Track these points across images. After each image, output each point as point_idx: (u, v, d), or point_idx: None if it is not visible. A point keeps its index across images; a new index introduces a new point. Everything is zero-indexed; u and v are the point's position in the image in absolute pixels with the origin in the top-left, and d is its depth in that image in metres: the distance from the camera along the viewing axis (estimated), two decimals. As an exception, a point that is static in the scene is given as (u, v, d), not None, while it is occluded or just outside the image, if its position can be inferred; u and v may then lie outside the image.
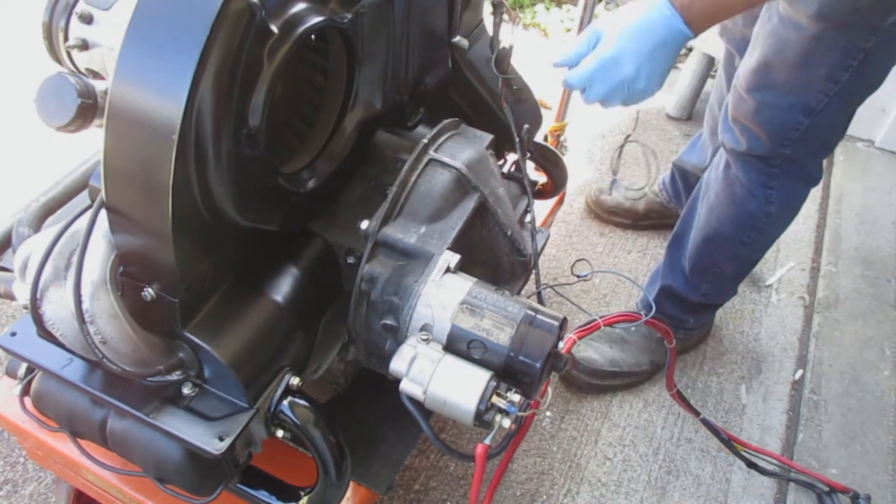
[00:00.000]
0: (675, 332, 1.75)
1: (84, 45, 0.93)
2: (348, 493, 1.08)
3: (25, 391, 1.01)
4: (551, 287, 1.19)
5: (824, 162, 1.51)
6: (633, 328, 1.79)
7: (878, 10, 1.16)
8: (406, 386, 0.86)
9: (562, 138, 1.91)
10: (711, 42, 2.29)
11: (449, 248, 0.94)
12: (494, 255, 1.11)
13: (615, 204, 2.21)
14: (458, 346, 0.88)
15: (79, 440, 1.02)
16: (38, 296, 0.80)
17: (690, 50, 2.63)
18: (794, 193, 1.51)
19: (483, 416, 0.84)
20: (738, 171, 1.50)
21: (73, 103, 0.81)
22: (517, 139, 1.23)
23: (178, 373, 0.87)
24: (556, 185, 1.55)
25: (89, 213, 0.79)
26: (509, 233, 1.09)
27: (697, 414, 1.55)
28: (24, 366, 1.02)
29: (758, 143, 1.41)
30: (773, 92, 1.32)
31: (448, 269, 0.92)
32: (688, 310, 1.76)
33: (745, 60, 1.38)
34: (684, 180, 2.07)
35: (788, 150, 1.38)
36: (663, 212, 2.17)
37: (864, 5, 1.16)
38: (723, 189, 1.55)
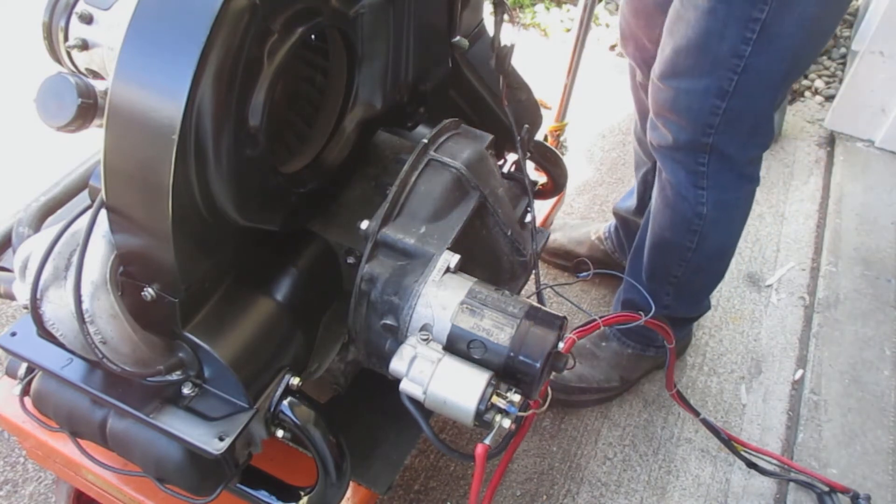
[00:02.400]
0: (644, 349, 1.74)
1: (84, 45, 0.93)
2: (348, 493, 1.08)
3: (25, 391, 1.01)
4: (551, 287, 1.19)
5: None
6: (603, 343, 1.76)
7: None
8: (406, 386, 0.86)
9: (562, 138, 1.91)
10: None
11: (449, 248, 0.94)
12: (494, 255, 1.11)
13: (557, 246, 2.07)
14: (458, 346, 0.88)
15: (79, 440, 1.02)
16: (38, 296, 0.80)
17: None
18: (729, 193, 1.47)
19: (483, 416, 0.84)
20: (667, 172, 1.48)
21: (73, 103, 0.81)
22: (517, 139, 1.23)
23: (178, 373, 0.87)
24: (556, 185, 1.55)
25: (89, 213, 0.79)
26: (509, 233, 1.09)
27: (697, 414, 1.55)
28: (24, 366, 1.02)
29: (681, 133, 1.39)
30: (686, 78, 1.32)
31: (448, 269, 0.92)
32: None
33: (658, 52, 1.38)
34: (625, 229, 1.96)
35: (712, 139, 1.37)
36: (606, 260, 2.02)
37: None
38: (658, 193, 1.54)
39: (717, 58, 1.27)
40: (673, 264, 1.59)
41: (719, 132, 1.35)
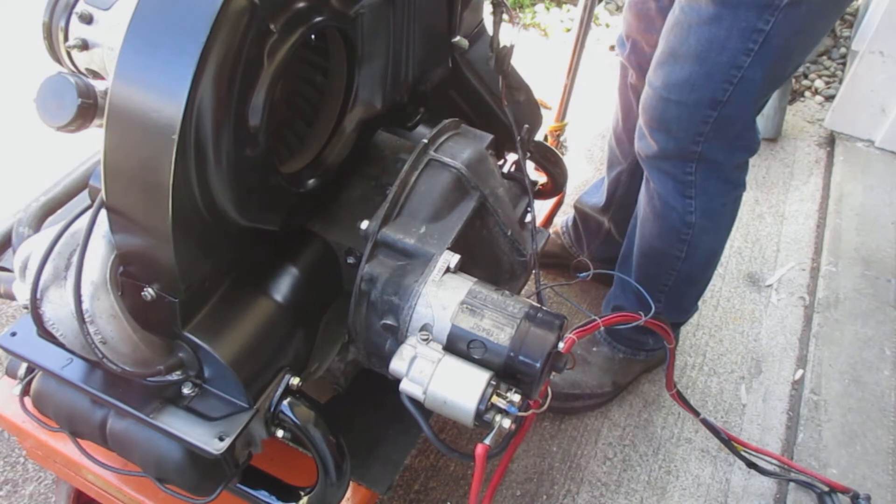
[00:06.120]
0: (635, 353, 1.74)
1: (84, 45, 0.93)
2: (348, 493, 1.08)
3: (25, 391, 1.01)
4: (551, 287, 1.19)
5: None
6: (594, 349, 1.76)
7: None
8: (406, 386, 0.86)
9: (562, 138, 1.91)
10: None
11: (449, 248, 0.94)
12: (494, 255, 1.11)
13: None
14: (458, 346, 0.88)
15: (79, 440, 1.02)
16: (38, 296, 0.80)
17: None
18: (715, 201, 1.47)
19: (483, 416, 0.84)
20: (655, 182, 1.48)
21: (73, 103, 0.82)
22: (517, 139, 1.23)
23: (178, 373, 0.87)
24: (556, 184, 1.55)
25: (89, 213, 0.79)
26: (509, 233, 1.09)
27: (697, 414, 1.55)
28: (24, 366, 1.02)
29: (669, 143, 1.38)
30: (679, 88, 1.31)
31: (448, 269, 0.92)
32: (644, 330, 1.67)
33: (653, 59, 1.37)
34: (584, 224, 1.98)
35: (701, 148, 1.36)
36: (563, 254, 2.04)
37: None
38: (646, 203, 1.54)
39: (716, 68, 1.25)
40: (663, 273, 1.59)
41: (708, 140, 1.35)
